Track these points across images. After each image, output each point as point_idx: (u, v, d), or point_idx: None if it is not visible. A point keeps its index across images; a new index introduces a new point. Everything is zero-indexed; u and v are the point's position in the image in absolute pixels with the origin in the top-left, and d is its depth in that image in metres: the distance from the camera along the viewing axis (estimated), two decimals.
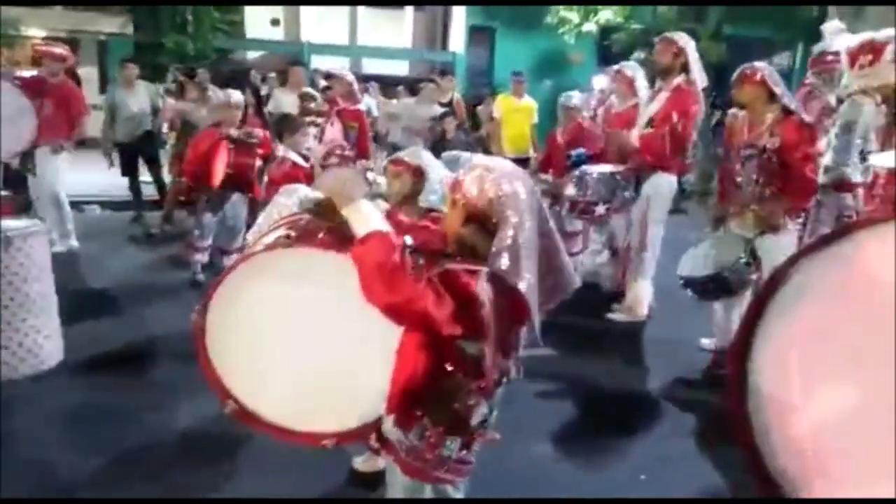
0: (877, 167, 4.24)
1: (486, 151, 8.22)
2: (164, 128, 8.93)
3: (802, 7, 14.06)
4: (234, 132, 6.04)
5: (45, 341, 4.30)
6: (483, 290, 1.88)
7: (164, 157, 8.82)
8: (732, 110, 8.73)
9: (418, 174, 3.01)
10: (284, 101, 8.32)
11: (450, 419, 2.04)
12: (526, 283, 1.87)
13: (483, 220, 1.95)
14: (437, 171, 3.04)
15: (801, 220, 4.55)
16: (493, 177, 1.95)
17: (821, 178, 4.83)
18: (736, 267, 4.04)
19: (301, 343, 2.39)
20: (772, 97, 4.24)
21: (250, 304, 2.41)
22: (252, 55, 17.22)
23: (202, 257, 6.22)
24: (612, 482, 3.44)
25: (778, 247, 4.13)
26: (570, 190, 5.07)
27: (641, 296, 5.37)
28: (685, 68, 5.06)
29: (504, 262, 1.85)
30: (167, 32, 13.28)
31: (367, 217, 1.95)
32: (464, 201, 1.98)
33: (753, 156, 4.25)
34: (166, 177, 8.67)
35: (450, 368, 1.98)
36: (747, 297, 4.31)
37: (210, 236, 6.16)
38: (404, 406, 2.08)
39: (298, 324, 2.38)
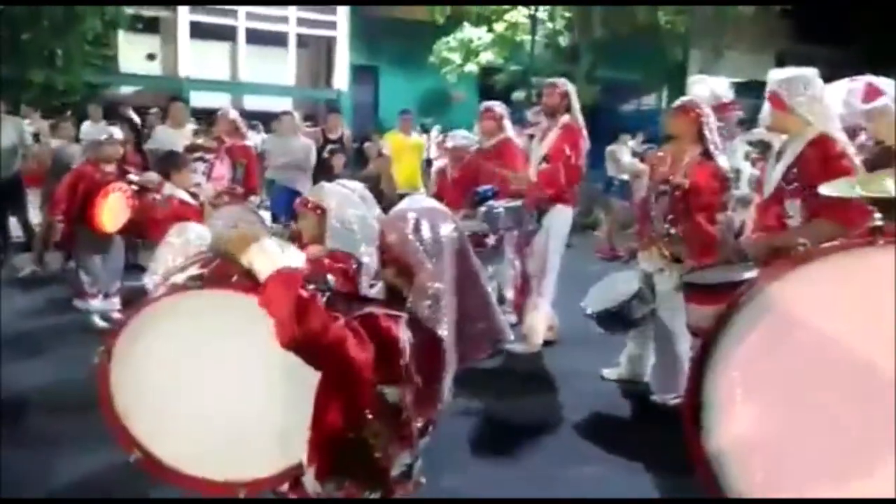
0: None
1: (375, 188, 8.26)
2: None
3: (668, 51, 15.11)
4: (133, 177, 5.83)
5: None
6: (404, 335, 1.85)
7: (32, 196, 8.31)
8: (610, 148, 9.12)
9: (322, 214, 2.73)
10: (166, 138, 8.06)
11: (369, 470, 1.98)
12: (445, 331, 1.85)
13: (403, 264, 1.91)
14: (344, 210, 2.69)
15: None
16: (411, 221, 1.92)
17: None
18: (627, 304, 4.26)
19: (214, 389, 2.28)
20: (700, 137, 4.26)
21: (159, 347, 2.30)
22: (127, 90, 16.59)
23: (97, 302, 5.90)
24: None
25: (674, 293, 4.18)
26: (477, 224, 5.18)
27: (537, 326, 5.53)
28: (569, 108, 5.45)
29: (424, 308, 1.83)
30: (33, 66, 12.58)
31: (270, 256, 1.89)
32: (383, 246, 1.97)
33: (666, 192, 4.30)
34: (35, 217, 8.17)
35: (369, 416, 1.92)
36: (652, 331, 4.56)
37: (98, 280, 5.87)
38: (323, 456, 2.01)
39: (211, 369, 2.28)
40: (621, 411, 4.65)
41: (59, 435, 3.97)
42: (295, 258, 2.07)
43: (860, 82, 4.72)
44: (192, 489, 2.39)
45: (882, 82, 4.68)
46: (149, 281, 3.74)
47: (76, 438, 3.79)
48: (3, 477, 3.51)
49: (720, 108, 5.78)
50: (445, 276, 1.89)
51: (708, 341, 2.43)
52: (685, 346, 4.33)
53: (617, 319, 4.38)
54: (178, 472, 2.37)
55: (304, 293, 1.77)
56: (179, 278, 2.39)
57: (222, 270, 2.25)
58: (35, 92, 11.95)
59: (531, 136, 6.76)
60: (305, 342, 1.77)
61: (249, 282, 2.03)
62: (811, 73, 3.53)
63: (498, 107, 6.14)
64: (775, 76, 3.55)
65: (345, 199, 2.62)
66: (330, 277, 2.02)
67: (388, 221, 1.98)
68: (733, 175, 5.09)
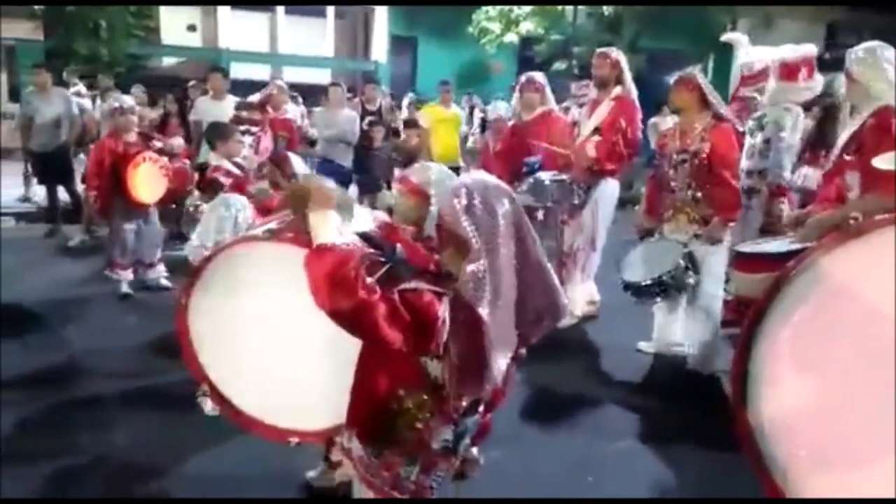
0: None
1: (409, 158, 8.22)
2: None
3: (715, 20, 14.69)
4: (158, 143, 5.90)
5: None
6: (444, 313, 1.82)
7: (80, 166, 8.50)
8: (653, 120, 9.00)
9: (423, 199, 2.56)
10: (208, 109, 8.11)
11: (408, 441, 2.00)
12: (486, 311, 1.81)
13: (458, 243, 1.86)
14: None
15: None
16: (465, 197, 1.86)
17: (749, 182, 5.13)
18: (676, 272, 4.26)
19: (276, 338, 2.39)
20: (705, 104, 4.44)
21: (234, 290, 2.43)
22: (169, 62, 16.73)
23: (126, 274, 6.03)
24: (559, 484, 3.47)
25: (716, 255, 4.42)
26: (524, 197, 5.14)
27: (577, 298, 5.51)
28: (620, 79, 5.33)
29: (469, 289, 1.80)
30: (79, 38, 12.76)
31: (329, 228, 1.90)
32: (437, 221, 1.94)
33: (686, 160, 4.43)
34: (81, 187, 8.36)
35: (412, 386, 1.95)
36: (684, 299, 4.59)
37: (129, 252, 5.98)
38: (363, 421, 2.05)
39: (275, 319, 2.38)
40: (659, 385, 4.64)
41: (102, 400, 4.13)
42: (363, 219, 2.07)
43: None
44: (249, 429, 2.56)
45: None
46: (190, 251, 3.84)
47: (118, 403, 4.01)
48: (59, 433, 3.65)
49: (752, 78, 5.75)
50: (502, 253, 1.85)
51: (757, 313, 2.42)
52: (720, 307, 4.55)
53: (664, 288, 4.36)
54: (239, 411, 2.55)
55: (350, 272, 1.78)
56: (258, 230, 2.45)
57: (295, 225, 2.26)
58: (80, 63, 12.09)
59: (567, 109, 6.67)
60: (335, 314, 1.81)
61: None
62: (880, 45, 3.47)
63: (540, 78, 6.04)
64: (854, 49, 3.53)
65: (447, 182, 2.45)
66: (399, 248, 2.01)
67: (442, 199, 1.94)
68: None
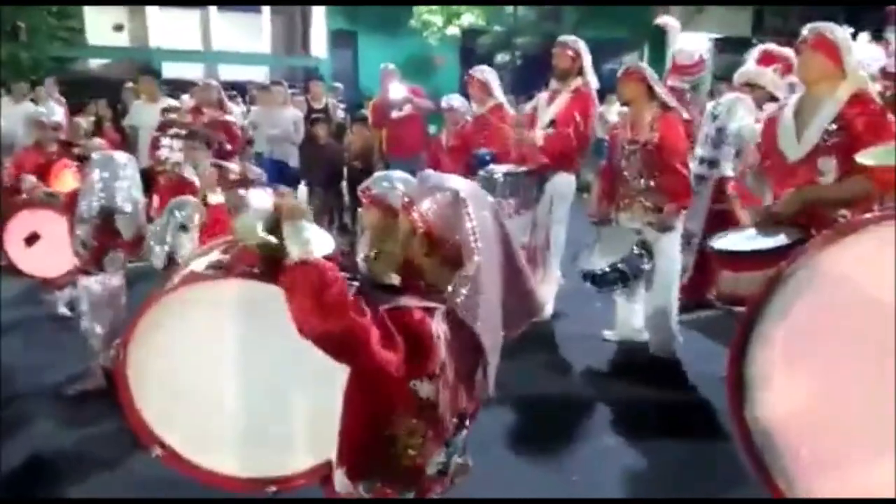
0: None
1: (358, 156, 8.02)
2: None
3: (651, 8, 14.80)
4: (76, 150, 5.57)
5: None
6: (439, 328, 1.72)
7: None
8: (598, 110, 9.05)
9: (388, 213, 2.22)
10: (142, 114, 7.75)
11: (403, 470, 1.87)
12: (481, 323, 1.74)
13: (451, 254, 1.76)
14: None
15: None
16: (467, 205, 1.77)
17: (699, 170, 5.15)
18: (630, 259, 4.32)
19: (238, 383, 2.20)
20: (652, 95, 4.53)
21: (181, 338, 2.19)
22: (96, 63, 16.05)
23: (63, 293, 5.60)
24: (545, 486, 3.37)
25: (668, 242, 4.53)
26: None
27: (545, 296, 5.38)
28: (581, 71, 5.24)
29: (461, 298, 1.71)
30: None
31: (306, 240, 1.72)
32: (425, 229, 1.78)
33: (636, 150, 4.52)
34: None
35: (402, 413, 1.80)
36: (642, 287, 4.68)
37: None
38: (354, 457, 1.89)
39: (234, 362, 2.18)
40: (625, 373, 4.65)
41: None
42: (325, 241, 1.92)
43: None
44: (216, 486, 2.32)
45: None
46: (157, 261, 3.63)
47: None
48: None
49: (690, 68, 5.77)
50: (493, 260, 1.78)
51: (751, 315, 2.36)
52: (676, 293, 4.67)
53: (618, 277, 4.38)
54: (200, 468, 2.30)
55: (333, 287, 1.62)
56: (200, 265, 2.21)
57: (244, 256, 2.06)
58: (1, 69, 11.44)
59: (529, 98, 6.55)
60: (326, 339, 1.64)
61: (272, 268, 1.85)
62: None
63: (481, 73, 5.92)
64: (830, 25, 3.40)
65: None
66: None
67: (434, 207, 1.78)
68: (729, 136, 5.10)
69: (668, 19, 6.96)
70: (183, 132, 6.90)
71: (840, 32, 3.35)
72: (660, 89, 4.56)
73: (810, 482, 2.28)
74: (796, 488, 2.31)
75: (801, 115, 3.42)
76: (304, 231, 1.74)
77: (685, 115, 4.83)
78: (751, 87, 5.25)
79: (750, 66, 5.45)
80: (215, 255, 2.23)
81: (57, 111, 6.45)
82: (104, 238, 4.01)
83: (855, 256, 2.24)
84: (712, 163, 5.28)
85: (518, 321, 1.94)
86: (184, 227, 3.65)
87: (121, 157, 4.12)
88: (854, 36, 4.40)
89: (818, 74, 3.34)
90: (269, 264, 1.94)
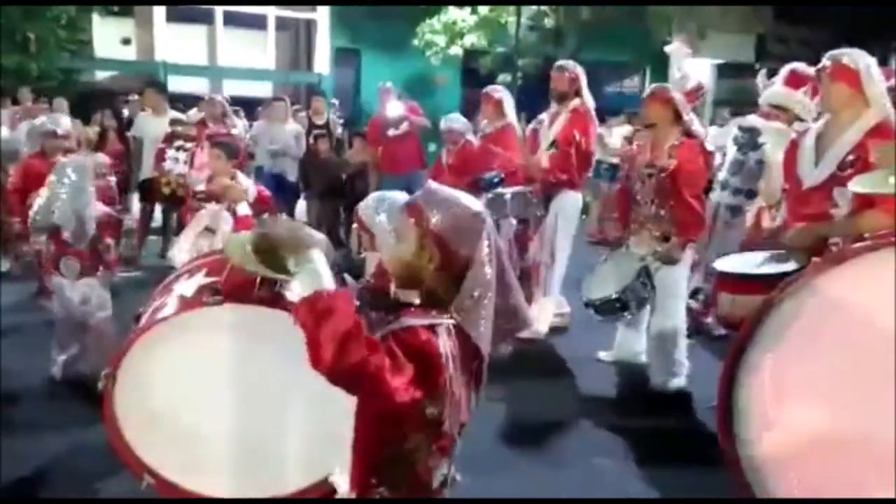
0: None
1: (362, 177, 8.13)
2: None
3: (654, 33, 14.95)
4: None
5: None
6: (446, 346, 1.73)
7: None
8: (599, 130, 9.07)
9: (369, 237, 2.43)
10: (147, 126, 7.85)
11: (410, 486, 1.89)
12: (479, 331, 1.76)
13: (459, 270, 1.77)
14: None
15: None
16: (486, 224, 1.80)
17: (731, 200, 5.08)
18: (634, 287, 4.22)
19: (229, 408, 2.22)
20: (678, 119, 4.40)
21: (172, 365, 2.19)
22: (102, 75, 16.16)
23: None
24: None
25: (671, 276, 4.39)
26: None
27: (544, 313, 5.45)
28: (578, 93, 5.39)
29: (465, 308, 1.74)
30: (7, 52, 12.21)
31: (319, 271, 1.71)
32: (433, 237, 1.78)
33: (652, 175, 4.40)
34: None
35: (409, 430, 1.82)
36: (646, 313, 4.58)
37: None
38: (366, 478, 1.90)
39: (233, 385, 2.20)
40: (622, 396, 4.68)
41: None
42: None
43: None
44: None
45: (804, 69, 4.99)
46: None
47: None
48: None
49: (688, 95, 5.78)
50: (487, 275, 1.79)
51: (742, 342, 2.38)
52: (682, 325, 4.48)
53: (619, 305, 4.33)
54: (193, 494, 2.30)
55: (349, 323, 1.61)
56: (189, 290, 2.22)
57: (238, 280, 2.08)
58: (8, 78, 11.56)
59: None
60: (341, 375, 1.63)
61: (270, 293, 1.89)
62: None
63: (497, 92, 6.06)
64: (852, 52, 3.32)
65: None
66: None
67: (455, 223, 1.79)
68: (721, 159, 5.11)
69: (676, 47, 6.99)
70: (188, 144, 7.04)
71: (862, 60, 3.24)
72: (687, 115, 4.42)
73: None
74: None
75: (823, 140, 3.33)
76: (314, 263, 1.72)
77: (709, 147, 4.64)
78: (778, 108, 5.14)
79: (778, 87, 5.29)
80: (201, 278, 2.22)
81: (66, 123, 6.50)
82: (57, 246, 4.19)
83: (846, 285, 2.27)
84: (749, 193, 5.12)
85: (503, 336, 1.94)
86: (209, 230, 3.69)
87: (66, 164, 4.20)
88: None
89: (839, 104, 3.26)
90: (261, 284, 1.96)
